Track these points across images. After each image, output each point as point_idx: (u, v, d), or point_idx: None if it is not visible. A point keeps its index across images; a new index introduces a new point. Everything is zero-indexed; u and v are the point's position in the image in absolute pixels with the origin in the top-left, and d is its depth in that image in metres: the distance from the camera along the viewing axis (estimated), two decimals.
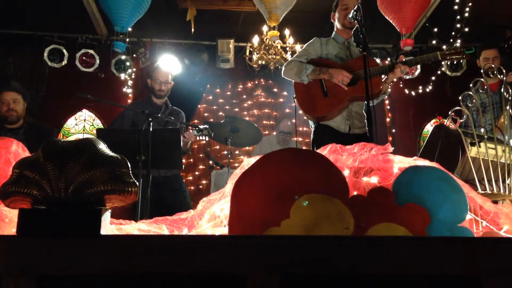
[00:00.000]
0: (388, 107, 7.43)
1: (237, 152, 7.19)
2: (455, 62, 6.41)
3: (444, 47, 5.69)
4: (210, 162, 6.55)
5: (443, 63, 6.55)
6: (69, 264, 1.18)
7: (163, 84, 4.21)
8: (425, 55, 3.34)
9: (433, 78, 6.77)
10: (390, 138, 7.21)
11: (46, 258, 1.19)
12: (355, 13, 3.06)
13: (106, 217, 1.30)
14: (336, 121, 3.40)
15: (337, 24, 3.64)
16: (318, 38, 3.61)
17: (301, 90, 3.44)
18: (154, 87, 4.22)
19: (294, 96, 3.50)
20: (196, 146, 7.21)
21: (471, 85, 2.64)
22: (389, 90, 3.57)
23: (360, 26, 2.96)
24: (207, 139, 3.82)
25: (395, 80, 3.47)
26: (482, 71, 3.56)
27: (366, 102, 2.74)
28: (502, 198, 2.45)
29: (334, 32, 3.67)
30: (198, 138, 3.84)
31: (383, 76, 3.38)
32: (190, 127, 3.98)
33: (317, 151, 1.75)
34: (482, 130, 2.44)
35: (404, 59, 3.39)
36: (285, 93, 7.53)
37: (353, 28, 3.58)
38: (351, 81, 3.30)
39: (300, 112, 3.60)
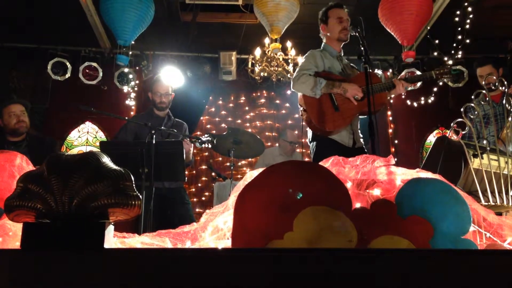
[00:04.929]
0: (391, 118, 7.43)
1: (239, 164, 7.20)
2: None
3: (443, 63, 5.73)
4: (213, 174, 6.54)
5: None
6: (73, 277, 1.18)
7: (164, 96, 4.22)
8: (422, 74, 3.70)
9: (435, 89, 6.77)
10: (393, 150, 7.21)
11: (49, 271, 1.19)
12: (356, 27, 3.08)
13: (110, 230, 1.31)
14: (341, 135, 3.41)
15: (330, 36, 3.59)
16: (314, 50, 3.57)
17: (312, 104, 3.37)
18: (155, 100, 4.23)
19: (303, 109, 3.45)
20: (198, 158, 7.22)
21: (472, 96, 2.64)
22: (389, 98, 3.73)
23: (361, 40, 2.97)
24: (210, 146, 3.80)
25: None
26: (483, 83, 3.58)
27: (368, 115, 2.76)
28: (506, 210, 2.45)
29: (325, 44, 3.63)
30: (202, 146, 3.82)
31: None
32: (191, 139, 3.97)
33: (320, 163, 1.75)
34: (485, 142, 2.44)
35: (405, 76, 3.49)
36: (287, 104, 7.55)
37: (346, 41, 3.58)
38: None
39: (303, 123, 3.59)
